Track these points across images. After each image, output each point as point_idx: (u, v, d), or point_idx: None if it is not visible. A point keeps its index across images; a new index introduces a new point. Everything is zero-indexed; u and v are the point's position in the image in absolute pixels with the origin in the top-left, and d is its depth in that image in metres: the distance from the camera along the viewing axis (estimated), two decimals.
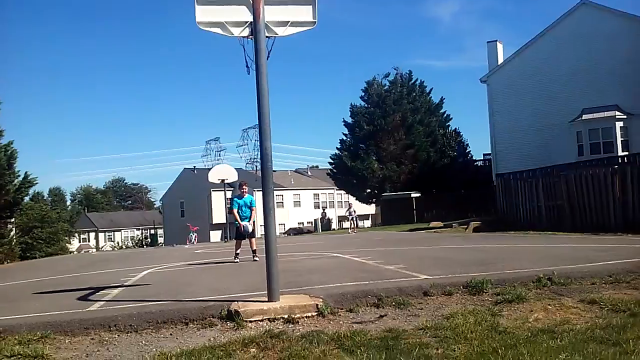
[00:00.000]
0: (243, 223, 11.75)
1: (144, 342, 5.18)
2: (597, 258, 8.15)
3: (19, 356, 4.81)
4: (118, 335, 5.40)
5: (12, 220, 21.86)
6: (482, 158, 40.70)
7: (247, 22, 6.59)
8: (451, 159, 41.01)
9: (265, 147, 6.31)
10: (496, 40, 31.34)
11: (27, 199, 24.77)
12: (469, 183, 35.30)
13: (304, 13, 6.86)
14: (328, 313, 5.69)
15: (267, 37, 6.60)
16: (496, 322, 4.97)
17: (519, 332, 4.63)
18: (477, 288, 6.23)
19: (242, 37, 6.73)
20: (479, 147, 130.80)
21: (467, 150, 43.70)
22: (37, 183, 21.47)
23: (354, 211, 29.72)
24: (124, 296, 7.25)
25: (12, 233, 22.02)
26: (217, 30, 6.72)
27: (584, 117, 25.20)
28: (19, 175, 19.69)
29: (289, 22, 6.80)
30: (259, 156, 7.12)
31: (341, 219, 56.96)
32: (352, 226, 29.47)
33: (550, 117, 26.66)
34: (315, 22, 6.89)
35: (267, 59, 6.62)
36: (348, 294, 6.23)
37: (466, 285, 6.33)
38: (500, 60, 30.22)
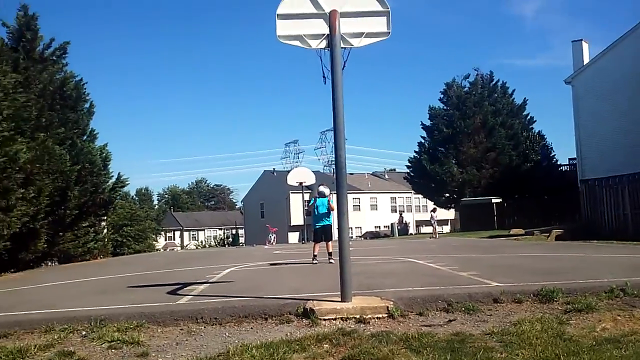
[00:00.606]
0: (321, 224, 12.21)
1: (227, 334, 5.65)
2: None
3: (119, 341, 5.39)
4: (204, 327, 5.90)
5: (105, 218, 23.43)
6: (567, 163, 39.26)
7: (324, 34, 6.92)
8: (534, 163, 39.75)
9: (340, 155, 6.64)
10: (581, 40, 29.99)
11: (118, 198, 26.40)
12: (553, 189, 34.10)
13: (378, 24, 7.10)
14: (398, 315, 5.95)
15: (342, 47, 6.93)
16: (562, 330, 5.07)
17: (584, 340, 4.72)
18: (547, 297, 6.29)
19: (320, 48, 7.09)
20: (564, 151, 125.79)
21: (552, 154, 42.18)
22: (128, 183, 22.99)
23: (436, 216, 29.67)
24: (209, 292, 7.81)
25: (105, 230, 23.60)
26: (296, 42, 7.10)
27: None
28: (112, 176, 21.18)
29: (363, 33, 7.06)
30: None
31: (419, 223, 56.57)
32: (433, 231, 29.36)
33: (639, 119, 25.32)
34: (389, 32, 7.12)
35: (343, 69, 6.94)
36: (418, 297, 6.46)
37: (536, 294, 6.40)
38: (586, 60, 28.95)
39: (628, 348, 4.41)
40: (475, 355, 4.43)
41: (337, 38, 6.72)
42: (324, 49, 7.00)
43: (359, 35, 7.05)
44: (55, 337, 5.58)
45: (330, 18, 6.76)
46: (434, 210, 31.13)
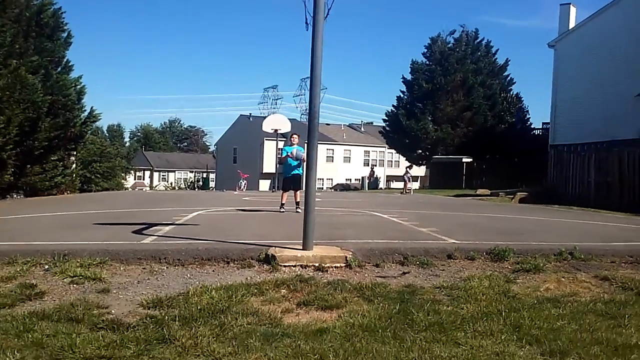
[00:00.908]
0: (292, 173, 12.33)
1: (189, 275, 5.82)
2: (626, 238, 8.31)
3: (81, 277, 5.51)
4: (166, 267, 6.05)
5: (75, 153, 23.15)
6: (541, 127, 39.79)
7: None
8: (509, 125, 40.19)
9: (314, 105, 6.69)
10: (569, 3, 29.81)
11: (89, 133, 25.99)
12: (524, 152, 34.65)
13: None
14: (355, 265, 6.18)
15: None
16: (508, 288, 5.35)
17: (527, 299, 5.00)
18: (499, 256, 6.58)
19: None
20: (540, 114, 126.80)
21: (527, 118, 42.63)
22: (101, 118, 22.64)
23: (411, 173, 30.25)
24: (174, 233, 7.93)
25: (73, 166, 23.35)
26: None
27: None
28: (85, 110, 20.84)
29: None
30: None
31: (389, 178, 57.14)
32: (407, 188, 29.91)
33: (616, 90, 25.56)
34: None
35: (326, 17, 6.88)
36: (377, 250, 6.69)
37: (489, 252, 6.69)
38: (572, 25, 28.89)
39: (566, 307, 4.69)
40: (423, 306, 4.67)
41: None
42: None
43: None
44: (18, 269, 5.67)
45: None
46: (409, 167, 31.71)
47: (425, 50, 42.14)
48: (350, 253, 6.40)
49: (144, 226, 8.61)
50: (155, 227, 8.51)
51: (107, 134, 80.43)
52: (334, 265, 6.18)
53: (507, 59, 42.96)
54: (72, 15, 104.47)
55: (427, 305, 4.69)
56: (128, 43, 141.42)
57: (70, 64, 20.41)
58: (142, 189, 61.83)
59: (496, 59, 42.45)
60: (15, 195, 18.70)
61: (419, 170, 46.98)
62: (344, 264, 6.20)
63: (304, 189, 7.27)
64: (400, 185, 49.23)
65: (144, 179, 79.44)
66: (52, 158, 19.47)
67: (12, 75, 15.96)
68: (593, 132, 24.68)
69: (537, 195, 20.80)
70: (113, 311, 4.53)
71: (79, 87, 20.34)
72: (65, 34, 20.43)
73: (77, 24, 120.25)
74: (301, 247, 6.51)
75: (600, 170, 18.63)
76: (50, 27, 19.66)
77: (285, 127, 29.52)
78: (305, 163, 12.13)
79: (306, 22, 6.97)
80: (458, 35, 42.15)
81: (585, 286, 5.54)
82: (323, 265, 6.13)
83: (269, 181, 48.75)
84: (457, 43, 41.74)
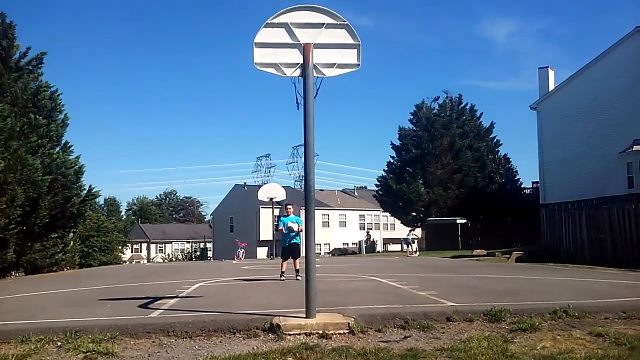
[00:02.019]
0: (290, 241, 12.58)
1: (197, 347, 6.00)
2: (619, 294, 8.58)
3: (94, 352, 5.69)
4: (175, 340, 6.24)
5: (75, 230, 23.36)
6: (530, 186, 40.46)
7: (298, 63, 7.31)
8: (499, 185, 40.94)
9: (309, 179, 7.08)
10: (547, 67, 31.08)
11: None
12: (516, 211, 35.15)
13: (350, 56, 7.55)
14: (358, 331, 6.38)
15: (315, 76, 7.39)
16: (506, 347, 5.56)
17: (524, 357, 5.22)
18: (496, 316, 6.81)
19: (294, 76, 7.53)
20: (529, 174, 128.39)
21: (516, 178, 43.51)
22: (100, 196, 23.04)
23: (413, 236, 31.82)
24: (180, 306, 8.12)
25: (72, 242, 23.51)
26: (272, 70, 7.50)
27: (635, 147, 24.89)
28: (84, 189, 21.21)
29: (335, 64, 7.49)
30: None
31: (386, 241, 57.26)
32: (410, 250, 30.45)
33: (601, 147, 26.26)
34: (359, 64, 7.58)
35: (315, 97, 7.39)
36: (378, 315, 6.90)
37: (486, 314, 6.92)
38: (552, 87, 29.95)
39: None
40: None
41: (310, 69, 7.17)
42: (298, 77, 7.42)
43: (331, 65, 7.48)
44: (32, 347, 5.85)
45: (305, 50, 7.21)
46: (411, 230, 32.56)
47: (412, 116, 43.37)
48: (353, 319, 6.62)
49: (149, 300, 8.78)
50: (160, 301, 8.69)
51: (104, 207, 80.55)
52: (338, 331, 6.38)
53: (492, 121, 44.45)
54: (68, 95, 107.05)
55: None
56: (122, 118, 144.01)
57: (69, 145, 20.98)
58: (139, 262, 61.48)
59: (481, 122, 43.80)
60: (16, 274, 18.77)
61: (415, 232, 47.33)
62: (347, 330, 6.40)
63: (303, 256, 7.55)
64: (397, 248, 49.33)
65: (141, 252, 79.06)
66: (52, 235, 19.67)
67: (13, 157, 16.41)
68: (582, 189, 25.26)
69: (532, 254, 20.99)
70: None
71: (77, 166, 20.81)
72: (62, 115, 21.07)
73: (74, 104, 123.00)
74: (304, 315, 6.72)
75: (592, 227, 18.96)
76: (48, 108, 20.32)
77: (281, 196, 29.91)
78: (302, 232, 12.45)
79: (297, 102, 7.43)
80: (442, 101, 43.58)
81: (580, 343, 5.76)
82: (327, 332, 6.34)
83: (266, 248, 48.75)
84: (442, 108, 43.11)
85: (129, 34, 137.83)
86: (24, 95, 19.21)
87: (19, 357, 5.51)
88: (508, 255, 21.86)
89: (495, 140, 43.91)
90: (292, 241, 12.59)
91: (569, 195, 24.94)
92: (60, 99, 20.95)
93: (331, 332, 6.34)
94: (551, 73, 30.81)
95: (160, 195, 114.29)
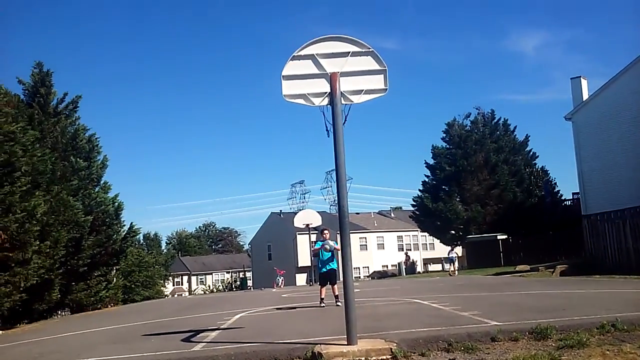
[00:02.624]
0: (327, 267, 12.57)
1: None
2: None
3: None
4: None
5: (117, 267, 23.86)
6: (571, 197, 39.55)
7: (325, 92, 7.40)
8: (539, 198, 40.13)
9: (342, 205, 7.10)
10: (580, 76, 30.56)
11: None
12: (558, 224, 34.37)
13: (377, 82, 7.61)
14: (401, 356, 6.29)
15: (343, 104, 7.46)
16: None
17: None
18: (542, 334, 6.64)
19: (322, 105, 7.61)
20: (568, 185, 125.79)
21: (556, 190, 42.57)
22: (140, 233, 23.54)
23: (456, 254, 31.82)
24: (222, 338, 8.17)
25: (114, 279, 23.99)
26: (300, 101, 7.60)
27: None
28: (124, 225, 21.74)
29: (362, 90, 7.55)
30: None
31: (426, 261, 56.59)
32: (452, 268, 30.43)
33: None
34: (386, 89, 7.62)
35: (344, 123, 7.44)
36: (421, 338, 6.81)
37: (532, 332, 6.76)
38: (585, 96, 29.41)
39: None
40: None
41: (337, 98, 7.24)
42: (327, 105, 7.50)
43: (358, 92, 7.53)
44: None
45: (331, 79, 7.30)
46: (452, 249, 32.67)
47: (444, 134, 43.06)
48: (395, 344, 6.54)
49: (191, 333, 8.86)
50: (202, 334, 8.76)
51: (143, 243, 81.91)
52: (380, 357, 6.30)
53: (527, 134, 43.75)
54: (104, 135, 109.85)
55: None
56: (156, 154, 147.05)
57: (108, 184, 21.62)
58: (181, 295, 62.09)
59: (515, 135, 43.15)
60: (62, 313, 19.21)
61: (457, 251, 46.75)
62: (390, 356, 6.32)
63: (341, 281, 7.53)
64: (438, 267, 48.65)
65: (182, 284, 79.90)
66: (96, 274, 20.12)
67: (55, 199, 16.93)
68: (624, 198, 24.48)
69: (577, 267, 20.48)
70: None
71: (117, 203, 21.34)
72: (101, 157, 21.79)
73: (111, 144, 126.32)
74: (345, 342, 6.68)
75: (637, 235, 18.42)
76: (86, 150, 21.05)
77: (316, 221, 29.99)
78: (339, 253, 12.42)
79: (327, 130, 7.51)
80: (474, 117, 43.21)
81: (631, 357, 5.57)
82: (369, 358, 6.27)
83: (305, 274, 48.71)
84: (474, 125, 42.69)
85: (162, 71, 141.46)
86: (63, 140, 19.93)
87: None
88: (552, 270, 21.37)
89: (531, 153, 43.24)
90: (329, 266, 12.59)
91: (611, 204, 24.22)
92: (98, 141, 21.67)
93: (374, 358, 6.27)
94: (584, 82, 30.25)
95: (199, 227, 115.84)
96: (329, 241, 12.69)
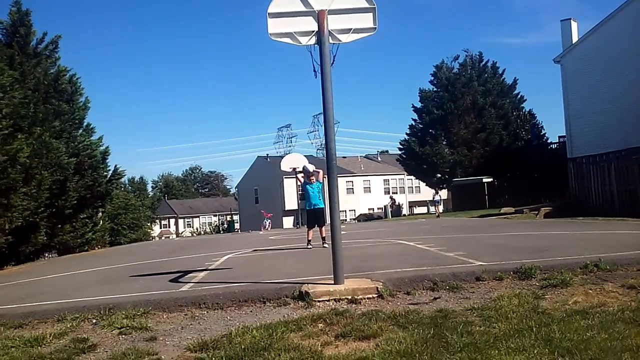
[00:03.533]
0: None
1: (228, 317, 6.08)
2: None
3: (128, 328, 5.80)
4: (207, 312, 6.32)
5: (103, 210, 23.80)
6: (557, 141, 39.74)
7: (313, 31, 7.16)
8: (525, 142, 40.26)
9: (330, 148, 7.02)
10: (570, 19, 30.16)
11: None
12: (543, 167, 34.64)
13: (365, 20, 7.39)
14: (387, 295, 6.39)
15: (331, 43, 7.26)
16: (537, 304, 5.51)
17: (556, 313, 5.16)
18: (526, 274, 6.74)
19: (309, 44, 7.40)
20: (555, 128, 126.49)
21: (542, 133, 42.64)
22: (125, 175, 23.37)
23: (439, 196, 33.97)
24: (210, 278, 8.22)
25: (101, 222, 23.98)
26: (287, 39, 7.37)
27: None
28: (109, 169, 21.54)
29: (351, 29, 7.33)
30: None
31: (412, 204, 57.16)
32: (438, 210, 31.61)
33: (628, 98, 25.53)
34: (375, 28, 7.41)
35: (332, 64, 7.27)
36: (406, 278, 6.89)
37: (516, 271, 6.85)
38: (575, 39, 29.09)
39: (594, 318, 4.85)
40: (456, 329, 4.86)
41: (325, 36, 7.04)
42: (314, 44, 7.28)
43: (346, 31, 7.31)
44: (68, 325, 5.98)
45: (319, 17, 7.06)
46: (436, 192, 34.20)
47: (432, 77, 42.68)
48: (381, 283, 6.61)
49: (179, 274, 8.91)
50: (190, 274, 8.80)
51: (130, 187, 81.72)
52: (366, 296, 6.39)
53: (515, 78, 43.42)
54: (86, 79, 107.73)
55: (460, 328, 4.88)
56: (142, 98, 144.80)
57: (91, 127, 21.27)
58: (168, 237, 62.51)
59: (504, 78, 42.85)
60: (49, 255, 19.24)
61: (441, 194, 47.22)
62: (376, 295, 6.41)
63: (328, 223, 7.53)
64: (424, 210, 49.36)
65: (169, 227, 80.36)
66: (82, 216, 20.06)
67: (37, 142, 16.64)
68: (610, 141, 24.61)
69: (561, 209, 20.77)
70: (163, 357, 4.79)
71: (102, 147, 21.06)
72: (83, 98, 21.33)
73: (95, 87, 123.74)
74: (333, 282, 6.74)
75: (621, 178, 18.64)
76: (68, 92, 20.58)
77: (303, 165, 29.91)
78: (326, 192, 12.42)
79: (314, 70, 7.32)
80: (462, 59, 42.73)
81: (612, 296, 5.68)
82: (355, 297, 6.35)
83: (292, 217, 49.10)
84: (463, 67, 42.30)
85: (146, 13, 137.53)
86: (44, 81, 19.39)
87: (56, 335, 5.64)
88: (536, 212, 21.67)
89: (519, 96, 43.05)
90: (316, 204, 12.59)
91: (596, 148, 24.36)
92: (80, 83, 21.18)
93: (360, 297, 6.36)
94: (574, 25, 29.88)
95: (185, 171, 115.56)
96: (316, 186, 12.67)
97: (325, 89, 7.05)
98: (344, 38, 7.39)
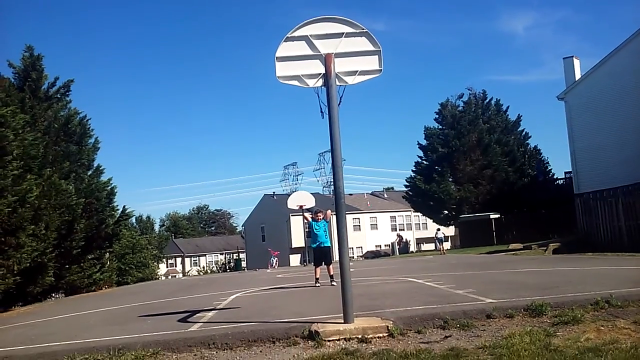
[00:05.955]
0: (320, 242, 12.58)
1: (238, 357, 6.04)
2: None
3: None
4: (216, 352, 6.28)
5: (111, 250, 23.81)
6: (563, 176, 39.72)
7: (320, 74, 7.30)
8: (531, 178, 40.28)
9: (338, 186, 7.09)
10: (572, 56, 30.51)
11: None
12: (550, 202, 34.56)
13: (371, 63, 7.53)
14: (397, 334, 6.34)
15: (338, 85, 7.39)
16: (549, 341, 5.47)
17: (568, 350, 5.12)
18: (537, 311, 6.70)
19: (317, 87, 7.53)
20: (560, 164, 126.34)
21: (548, 169, 42.76)
22: (133, 216, 23.47)
23: (442, 233, 33.64)
24: (218, 318, 8.19)
25: (108, 262, 23.97)
26: (295, 82, 7.50)
27: None
28: (117, 209, 21.67)
29: (357, 71, 7.47)
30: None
31: (419, 241, 56.86)
32: (441, 248, 32.10)
33: (633, 133, 25.66)
34: (381, 70, 7.56)
35: (339, 104, 7.37)
36: (417, 316, 6.85)
37: (527, 308, 6.81)
38: (578, 76, 29.38)
39: (607, 355, 4.81)
40: None
41: (332, 79, 7.16)
42: (321, 86, 7.41)
43: (353, 73, 7.45)
44: None
45: (326, 60, 7.20)
46: (438, 229, 34.30)
47: (437, 115, 43.03)
48: (391, 322, 6.58)
49: (187, 314, 8.87)
50: (198, 314, 8.77)
51: (137, 226, 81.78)
52: (377, 335, 6.35)
53: (519, 114, 43.84)
54: (97, 120, 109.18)
55: None
56: (151, 136, 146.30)
57: (101, 168, 21.53)
58: (175, 276, 62.22)
59: (508, 115, 43.24)
60: (56, 295, 19.19)
61: (448, 231, 46.98)
62: (387, 334, 6.37)
63: (336, 259, 7.52)
64: (431, 247, 49.17)
65: (176, 266, 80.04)
66: (89, 257, 20.08)
67: (47, 183, 16.81)
68: (616, 176, 24.55)
69: (570, 245, 20.62)
70: None
71: (109, 188, 21.23)
72: (92, 140, 21.64)
73: (104, 127, 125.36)
74: (342, 321, 6.70)
75: (629, 213, 18.56)
76: (78, 134, 20.89)
77: (310, 202, 29.90)
78: (333, 231, 12.42)
79: (321, 111, 7.42)
80: (466, 98, 43.21)
81: (625, 332, 5.63)
82: (366, 336, 6.31)
83: (299, 255, 48.89)
84: (467, 105, 42.69)
85: (154, 56, 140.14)
86: (55, 124, 19.72)
87: None
88: (545, 248, 21.52)
89: (524, 133, 43.32)
90: (322, 242, 12.54)
91: (603, 183, 24.30)
92: (90, 124, 21.53)
93: (370, 336, 6.31)
94: (576, 62, 30.19)
95: (192, 209, 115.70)
96: (322, 225, 12.68)
97: (333, 130, 7.14)
98: (351, 80, 7.52)
